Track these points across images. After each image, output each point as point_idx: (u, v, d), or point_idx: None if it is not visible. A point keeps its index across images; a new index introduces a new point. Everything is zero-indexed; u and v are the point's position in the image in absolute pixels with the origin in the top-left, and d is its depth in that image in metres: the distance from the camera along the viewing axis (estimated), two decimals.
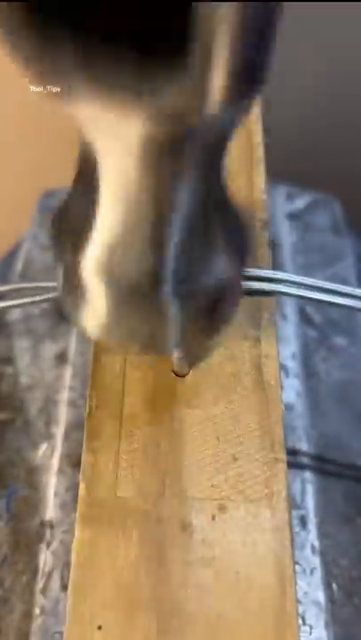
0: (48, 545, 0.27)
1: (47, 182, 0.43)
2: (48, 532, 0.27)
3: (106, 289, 0.16)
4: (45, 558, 0.26)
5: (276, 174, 0.31)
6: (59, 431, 0.30)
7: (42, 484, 0.28)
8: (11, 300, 0.24)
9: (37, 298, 0.23)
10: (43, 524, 0.27)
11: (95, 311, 0.17)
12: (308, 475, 0.29)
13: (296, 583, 0.18)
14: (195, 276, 0.16)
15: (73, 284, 0.17)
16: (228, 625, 0.17)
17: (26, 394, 0.31)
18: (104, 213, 0.15)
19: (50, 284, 0.23)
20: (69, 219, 0.17)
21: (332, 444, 0.30)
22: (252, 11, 0.11)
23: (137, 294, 0.16)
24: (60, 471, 0.29)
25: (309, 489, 0.28)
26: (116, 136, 0.13)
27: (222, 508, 0.19)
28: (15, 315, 0.35)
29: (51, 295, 0.23)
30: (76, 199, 0.17)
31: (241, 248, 0.17)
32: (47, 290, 0.23)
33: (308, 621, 0.25)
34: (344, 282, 0.32)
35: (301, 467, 0.29)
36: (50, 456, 0.29)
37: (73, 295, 0.17)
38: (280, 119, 0.39)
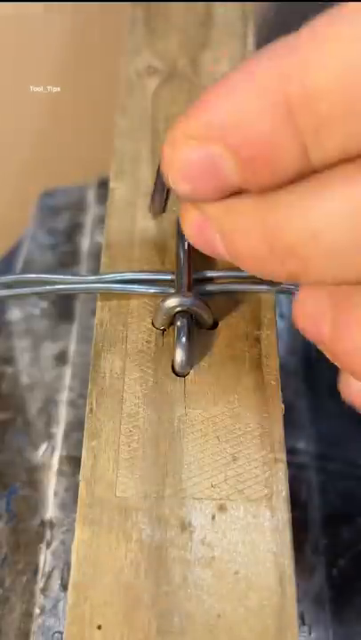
0: (48, 545, 0.27)
1: (47, 182, 0.43)
2: (48, 532, 0.27)
3: None
4: (45, 558, 0.26)
5: None
6: (59, 431, 0.30)
7: (42, 484, 0.28)
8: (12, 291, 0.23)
9: (39, 289, 0.23)
10: (43, 523, 0.27)
11: None
12: (308, 474, 0.29)
13: (296, 583, 0.18)
14: None
15: None
16: (228, 625, 0.17)
17: (26, 394, 0.31)
18: None
19: (52, 277, 0.23)
20: None
21: (332, 444, 0.30)
22: None
23: None
24: (60, 471, 0.29)
25: (309, 489, 0.28)
26: None
27: (222, 508, 0.19)
28: (15, 315, 0.35)
29: (53, 287, 0.23)
30: None
31: None
32: (49, 282, 0.23)
33: (308, 621, 0.25)
34: None
35: (301, 467, 0.29)
36: (50, 456, 0.29)
37: None
38: None
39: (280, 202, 0.16)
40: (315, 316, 0.18)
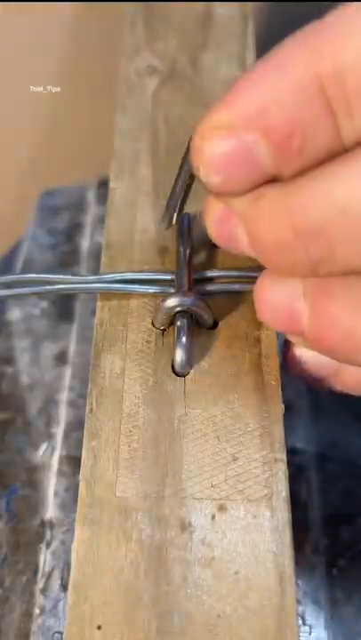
0: (48, 545, 0.27)
1: (47, 182, 0.43)
2: (48, 532, 0.27)
3: None
4: (45, 558, 0.26)
5: None
6: (59, 431, 0.30)
7: (42, 484, 0.28)
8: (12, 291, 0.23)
9: (39, 289, 0.23)
10: (43, 523, 0.27)
11: None
12: (308, 474, 0.29)
13: (296, 583, 0.18)
14: None
15: None
16: (228, 625, 0.17)
17: (26, 394, 0.31)
18: None
19: (52, 277, 0.23)
20: None
21: (332, 444, 0.30)
22: None
23: None
24: (60, 471, 0.29)
25: (309, 489, 0.28)
26: None
27: (222, 508, 0.19)
28: (15, 315, 0.35)
29: (53, 287, 0.23)
30: None
31: None
32: (49, 282, 0.23)
33: (308, 621, 0.25)
34: None
35: (301, 467, 0.29)
36: (50, 456, 0.29)
37: None
38: None
39: (307, 184, 0.16)
40: (288, 306, 0.18)
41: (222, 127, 0.16)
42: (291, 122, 0.15)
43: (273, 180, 0.17)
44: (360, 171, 0.15)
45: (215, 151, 0.16)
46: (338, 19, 0.15)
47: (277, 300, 0.19)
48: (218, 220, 0.19)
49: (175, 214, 0.23)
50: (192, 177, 0.21)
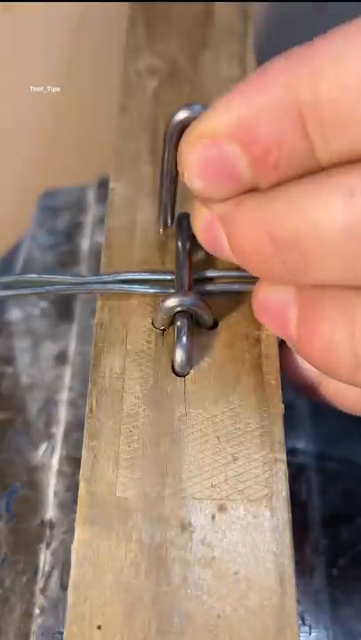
0: (48, 545, 0.27)
1: (47, 182, 0.43)
2: (48, 532, 0.27)
3: None
4: (45, 558, 0.26)
5: None
6: (59, 431, 0.30)
7: (42, 484, 0.28)
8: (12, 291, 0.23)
9: (39, 289, 0.23)
10: (43, 523, 0.27)
11: None
12: (308, 474, 0.29)
13: (296, 583, 0.18)
14: None
15: None
16: (228, 625, 0.17)
17: (26, 394, 0.31)
18: None
19: (52, 277, 0.23)
20: None
21: (332, 444, 0.30)
22: None
23: None
24: (60, 471, 0.29)
25: (309, 489, 0.28)
26: None
27: (222, 508, 0.19)
28: (15, 315, 0.35)
29: (53, 287, 0.23)
30: None
31: None
32: (49, 282, 0.23)
33: (308, 621, 0.25)
34: None
35: (301, 467, 0.29)
36: (50, 456, 0.29)
37: None
38: None
39: (284, 195, 0.16)
40: (279, 313, 0.19)
41: (206, 136, 0.17)
42: (268, 138, 0.16)
43: (253, 189, 0.17)
44: (332, 191, 0.15)
45: (197, 158, 0.17)
46: (323, 45, 0.15)
47: (272, 304, 0.19)
48: (204, 226, 0.19)
49: (168, 216, 0.23)
50: (175, 176, 0.22)
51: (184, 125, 0.20)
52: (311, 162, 0.16)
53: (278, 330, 0.20)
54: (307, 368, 0.22)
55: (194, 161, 0.17)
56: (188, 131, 0.18)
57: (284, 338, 0.20)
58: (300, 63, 0.15)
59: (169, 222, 0.24)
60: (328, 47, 0.15)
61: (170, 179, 0.22)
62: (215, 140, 0.17)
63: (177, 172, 0.21)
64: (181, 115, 0.20)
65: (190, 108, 0.19)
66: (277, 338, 0.22)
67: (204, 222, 0.19)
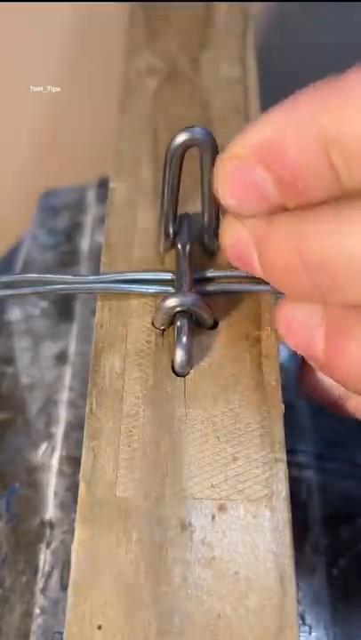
0: (48, 545, 0.27)
1: (47, 182, 0.43)
2: (48, 532, 0.27)
3: None
4: (45, 558, 0.26)
5: None
6: (59, 431, 0.30)
7: (42, 484, 0.28)
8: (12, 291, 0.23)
9: (39, 289, 0.23)
10: (43, 523, 0.27)
11: None
12: (308, 474, 0.29)
13: (296, 583, 0.18)
14: None
15: None
16: (229, 625, 0.17)
17: (26, 394, 0.31)
18: None
19: (52, 277, 0.23)
20: None
21: (332, 444, 0.30)
22: None
23: None
24: (60, 471, 0.29)
25: (309, 489, 0.28)
26: None
27: (222, 508, 0.19)
28: (15, 315, 0.35)
29: (53, 287, 0.23)
30: None
31: None
32: (49, 282, 0.23)
33: (308, 621, 0.25)
34: None
35: (301, 467, 0.29)
36: (50, 456, 0.29)
37: None
38: None
39: (314, 218, 0.17)
40: (305, 330, 0.20)
41: (236, 157, 0.18)
42: (294, 164, 0.17)
43: (284, 208, 0.18)
44: (356, 221, 0.16)
45: (228, 177, 0.18)
46: (353, 80, 0.16)
47: (297, 323, 0.20)
48: (233, 241, 0.20)
49: (170, 235, 0.23)
50: (176, 197, 0.22)
51: (184, 148, 0.20)
52: (337, 188, 0.17)
53: (304, 349, 0.20)
54: (331, 385, 0.23)
55: (225, 179, 0.18)
56: (226, 148, 0.19)
57: (308, 356, 0.20)
58: (330, 94, 0.16)
59: (170, 243, 0.24)
60: (357, 82, 0.16)
61: (171, 199, 0.22)
62: (245, 162, 0.18)
63: (178, 193, 0.22)
64: (182, 137, 0.20)
65: (191, 131, 0.20)
66: (298, 357, 0.22)
67: (233, 238, 0.20)
